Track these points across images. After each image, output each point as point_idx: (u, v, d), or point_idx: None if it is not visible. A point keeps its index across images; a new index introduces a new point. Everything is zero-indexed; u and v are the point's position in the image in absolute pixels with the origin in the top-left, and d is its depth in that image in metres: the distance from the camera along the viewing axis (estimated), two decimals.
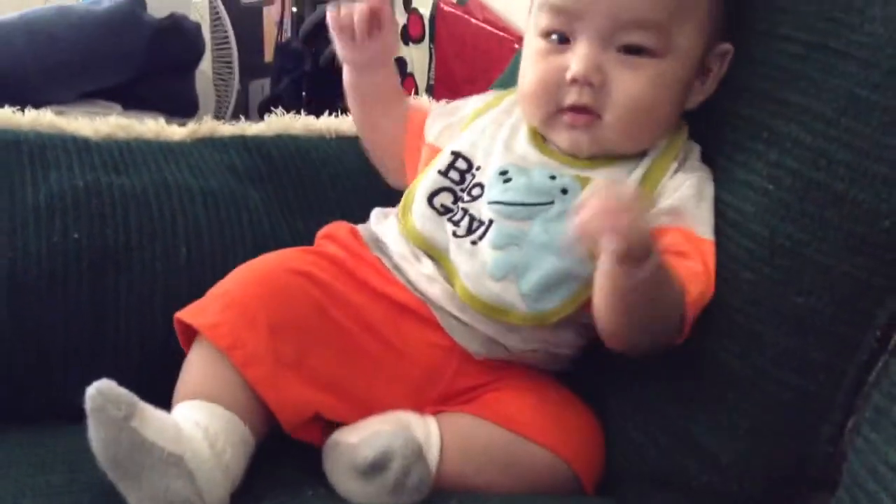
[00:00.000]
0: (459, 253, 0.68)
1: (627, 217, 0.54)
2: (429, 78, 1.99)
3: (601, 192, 0.56)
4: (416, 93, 1.99)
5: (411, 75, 2.06)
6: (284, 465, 0.65)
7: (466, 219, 0.69)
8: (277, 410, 0.62)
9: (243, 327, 0.63)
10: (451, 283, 0.68)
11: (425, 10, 1.97)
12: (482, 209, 0.69)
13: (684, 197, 0.66)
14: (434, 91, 1.95)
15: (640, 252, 0.55)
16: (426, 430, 0.64)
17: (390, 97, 0.82)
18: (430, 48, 1.97)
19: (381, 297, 0.70)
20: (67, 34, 1.63)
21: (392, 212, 0.75)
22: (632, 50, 0.66)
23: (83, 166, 0.80)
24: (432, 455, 0.63)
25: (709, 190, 0.67)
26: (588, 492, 0.67)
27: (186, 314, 0.66)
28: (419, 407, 0.68)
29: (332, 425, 0.66)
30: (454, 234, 0.69)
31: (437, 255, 0.70)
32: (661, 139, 0.70)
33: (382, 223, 0.75)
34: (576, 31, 0.67)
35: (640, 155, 0.70)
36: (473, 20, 1.80)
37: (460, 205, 0.71)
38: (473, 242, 0.68)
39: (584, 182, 0.68)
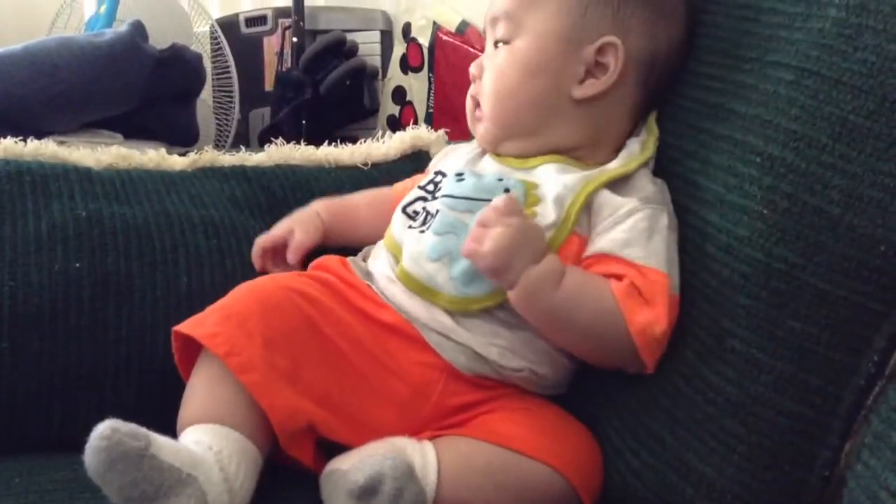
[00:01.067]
0: (409, 241, 0.73)
1: (491, 236, 0.64)
2: (428, 107, 2.01)
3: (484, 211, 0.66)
4: (416, 122, 2.01)
5: (410, 104, 2.08)
6: (282, 491, 0.65)
7: (423, 214, 0.74)
8: (272, 415, 0.63)
9: (240, 337, 0.65)
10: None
11: (424, 39, 1.99)
12: (436, 203, 0.74)
13: (636, 230, 0.68)
14: (433, 120, 1.96)
15: (502, 266, 0.65)
16: (423, 455, 0.64)
17: (360, 221, 0.87)
18: (429, 77, 1.99)
19: (369, 319, 0.72)
20: (70, 65, 1.64)
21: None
22: (499, 44, 0.77)
23: (85, 196, 0.81)
24: (430, 480, 0.63)
25: (662, 223, 0.69)
26: None
27: (185, 326, 0.68)
28: (411, 426, 0.69)
29: (326, 450, 0.66)
30: (409, 227, 0.74)
31: (397, 251, 0.74)
32: (595, 143, 0.76)
33: (375, 256, 0.78)
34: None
35: (591, 162, 0.75)
36: (472, 49, 1.82)
37: (424, 205, 0.76)
38: (422, 231, 0.73)
39: (529, 186, 0.72)
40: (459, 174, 0.76)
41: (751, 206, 0.64)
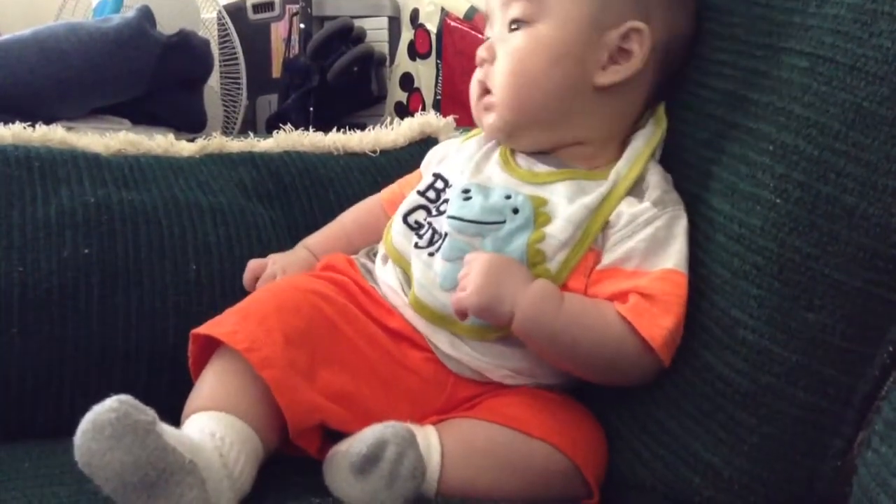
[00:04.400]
0: (417, 263, 0.72)
1: (470, 287, 0.65)
2: (435, 93, 2.00)
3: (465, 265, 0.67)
4: (424, 108, 2.00)
5: (418, 91, 2.07)
6: (292, 477, 0.65)
7: (430, 232, 0.73)
8: (288, 412, 0.63)
9: (260, 333, 0.65)
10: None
11: (432, 25, 1.98)
12: (443, 223, 0.72)
13: (655, 239, 0.68)
14: (441, 107, 1.95)
15: (491, 299, 0.65)
16: (426, 439, 0.65)
17: (353, 242, 0.84)
18: (436, 64, 1.98)
19: (378, 323, 0.73)
20: (78, 50, 1.64)
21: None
22: (515, 26, 0.73)
23: (94, 182, 0.81)
24: (434, 461, 0.63)
25: (681, 225, 0.69)
26: (591, 485, 0.67)
27: (204, 328, 0.67)
28: (424, 419, 0.69)
29: (331, 439, 0.67)
30: (416, 245, 0.73)
31: (405, 266, 0.73)
32: (604, 144, 0.74)
33: (381, 257, 0.78)
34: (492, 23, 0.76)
35: (600, 172, 0.72)
36: (480, 36, 1.81)
37: (429, 219, 0.74)
38: (430, 254, 0.72)
39: (538, 202, 0.70)
40: (466, 191, 0.72)
41: (763, 195, 0.63)
